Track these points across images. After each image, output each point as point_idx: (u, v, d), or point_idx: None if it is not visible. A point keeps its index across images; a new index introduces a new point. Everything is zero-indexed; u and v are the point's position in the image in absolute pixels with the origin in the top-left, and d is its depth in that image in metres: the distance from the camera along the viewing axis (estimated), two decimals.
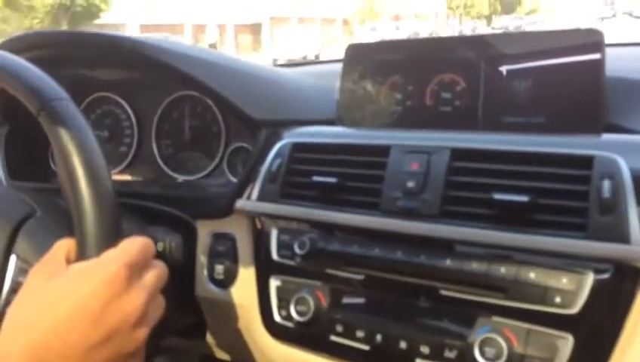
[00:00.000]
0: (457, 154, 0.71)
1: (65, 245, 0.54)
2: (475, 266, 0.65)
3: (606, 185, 0.61)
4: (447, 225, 0.67)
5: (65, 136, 0.52)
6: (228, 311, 0.87)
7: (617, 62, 0.76)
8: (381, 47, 0.93)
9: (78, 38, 0.89)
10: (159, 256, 0.58)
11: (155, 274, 0.54)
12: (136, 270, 0.51)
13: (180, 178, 1.03)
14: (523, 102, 0.78)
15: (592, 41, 0.75)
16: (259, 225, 0.85)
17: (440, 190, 0.70)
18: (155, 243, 0.78)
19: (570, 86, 0.75)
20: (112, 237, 0.53)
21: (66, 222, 0.71)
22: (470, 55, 0.83)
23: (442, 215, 0.69)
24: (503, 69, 0.80)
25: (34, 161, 1.12)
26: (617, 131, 0.71)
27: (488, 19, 46.11)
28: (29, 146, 1.11)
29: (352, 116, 0.91)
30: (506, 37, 0.84)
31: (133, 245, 0.53)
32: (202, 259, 0.90)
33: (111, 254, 0.51)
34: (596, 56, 0.74)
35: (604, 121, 0.73)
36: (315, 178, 0.78)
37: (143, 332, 0.51)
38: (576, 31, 0.77)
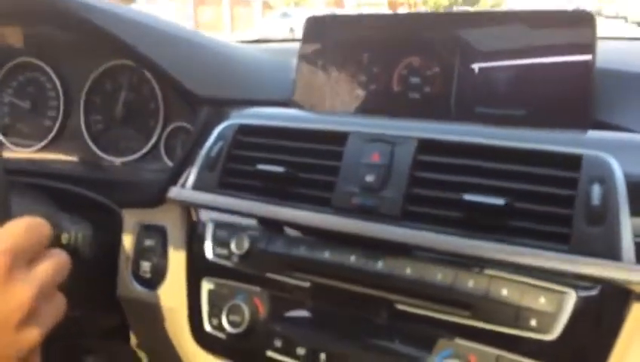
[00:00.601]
0: (425, 145, 0.61)
1: None
2: (438, 278, 0.56)
3: (595, 190, 0.52)
4: (409, 229, 0.58)
5: None
6: (153, 315, 0.76)
7: (606, 56, 0.67)
8: (345, 22, 0.82)
9: None
10: (63, 249, 0.47)
11: (50, 265, 0.44)
12: (21, 258, 0.42)
13: (110, 159, 0.90)
14: (502, 92, 0.69)
15: (581, 25, 0.66)
16: (194, 218, 0.74)
17: (403, 187, 0.60)
18: (60, 233, 0.66)
19: (555, 76, 0.66)
20: None
21: None
22: (445, 36, 0.73)
23: (404, 216, 0.59)
24: (482, 54, 0.70)
25: None
26: (606, 128, 0.62)
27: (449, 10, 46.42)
28: None
29: (308, 98, 0.81)
30: (486, 16, 0.74)
31: (19, 227, 0.42)
32: (127, 253, 0.78)
33: None
34: (586, 42, 0.65)
35: (592, 116, 0.64)
36: (260, 166, 0.67)
37: (32, 334, 0.41)
38: (565, 12, 0.68)
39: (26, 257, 0.42)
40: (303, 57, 0.82)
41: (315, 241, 0.63)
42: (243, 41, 1.18)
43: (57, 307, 0.45)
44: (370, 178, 0.61)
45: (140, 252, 0.78)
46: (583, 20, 0.66)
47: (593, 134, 0.60)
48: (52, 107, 0.96)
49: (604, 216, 0.51)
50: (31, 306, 0.41)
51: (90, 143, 0.92)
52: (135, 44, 0.76)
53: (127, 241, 0.79)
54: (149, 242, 0.77)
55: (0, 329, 0.39)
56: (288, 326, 0.64)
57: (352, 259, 0.60)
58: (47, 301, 0.43)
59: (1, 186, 0.47)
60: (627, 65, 0.71)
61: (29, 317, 0.41)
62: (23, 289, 0.41)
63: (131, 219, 0.79)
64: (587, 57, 0.65)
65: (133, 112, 0.91)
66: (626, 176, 0.52)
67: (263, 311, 0.65)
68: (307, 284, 0.63)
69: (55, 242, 0.52)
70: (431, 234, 0.57)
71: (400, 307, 0.58)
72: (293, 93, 0.82)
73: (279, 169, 0.66)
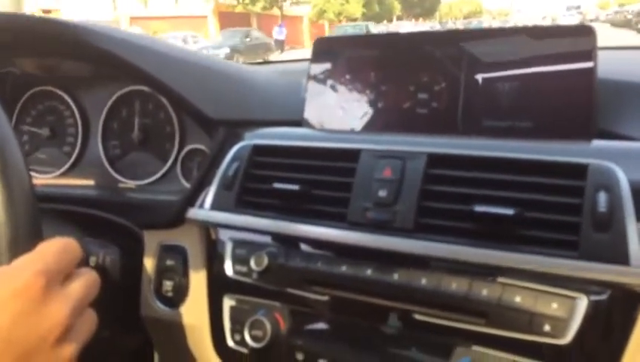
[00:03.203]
0: (434, 160, 0.64)
1: None
2: (453, 287, 0.58)
3: (602, 197, 0.54)
4: (422, 241, 0.60)
5: None
6: (176, 333, 0.78)
7: (607, 66, 0.70)
8: (352, 42, 0.85)
9: (16, 22, 0.79)
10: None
11: (82, 283, 0.46)
12: (56, 278, 0.44)
13: (128, 182, 0.93)
14: (507, 105, 0.71)
15: (583, 38, 0.68)
16: (213, 237, 0.76)
17: (415, 200, 0.62)
18: (87, 256, 0.68)
19: (559, 87, 0.68)
20: (27, 240, 0.46)
21: None
22: (450, 52, 0.75)
23: (417, 228, 0.61)
24: (487, 67, 0.73)
25: None
26: (610, 138, 0.64)
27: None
28: None
29: (319, 117, 0.83)
30: (491, 33, 0.77)
31: (52, 248, 0.45)
32: (149, 273, 0.81)
33: (24, 260, 0.43)
34: (587, 54, 0.67)
35: (597, 125, 0.66)
36: (277, 185, 0.70)
37: (69, 351, 0.43)
38: (567, 27, 0.70)
39: (59, 277, 0.44)
40: (312, 77, 0.85)
41: (332, 256, 0.65)
42: (252, 63, 1.21)
43: (90, 323, 0.47)
44: (382, 193, 0.64)
45: (162, 271, 0.80)
46: (584, 33, 0.68)
47: (598, 143, 0.62)
48: (70, 134, 0.99)
49: (610, 223, 0.53)
50: (67, 323, 0.43)
51: (109, 168, 0.95)
52: (151, 71, 0.78)
53: (149, 262, 0.81)
54: (170, 262, 0.79)
55: (38, 346, 0.41)
56: (309, 339, 0.66)
57: (369, 271, 0.62)
58: (80, 318, 0.45)
59: (33, 207, 0.49)
60: (629, 75, 0.74)
61: (65, 334, 0.43)
62: (59, 308, 0.43)
63: (152, 240, 0.81)
64: (589, 69, 0.67)
65: (150, 136, 0.94)
66: (631, 183, 0.54)
67: (284, 325, 0.67)
68: (326, 298, 0.65)
69: (83, 265, 0.55)
70: (444, 245, 0.59)
71: (417, 317, 0.60)
72: (303, 113, 0.84)
73: (295, 187, 0.69)
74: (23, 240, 0.46)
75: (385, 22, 39.11)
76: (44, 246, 0.45)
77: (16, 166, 0.47)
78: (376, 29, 26.50)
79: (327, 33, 32.48)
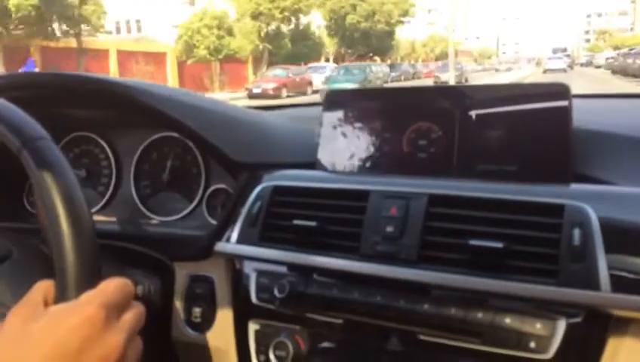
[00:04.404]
0: (434, 200, 0.74)
1: (43, 287, 0.54)
2: (452, 311, 0.67)
3: (576, 233, 0.63)
4: (425, 270, 0.69)
5: (46, 176, 0.53)
6: (205, 355, 0.87)
7: (583, 114, 0.80)
8: (360, 94, 0.96)
9: (60, 80, 0.90)
10: (137, 299, 0.58)
11: (134, 315, 0.54)
12: (114, 311, 0.52)
13: (158, 219, 1.03)
14: (496, 151, 0.81)
15: (558, 91, 0.80)
16: (238, 268, 0.85)
17: (418, 235, 0.72)
18: (135, 286, 0.77)
19: (539, 135, 0.79)
20: (91, 278, 0.53)
21: (43, 264, 0.71)
22: (445, 104, 0.86)
23: (420, 260, 0.70)
24: (477, 118, 0.84)
25: (10, 200, 1.11)
26: (586, 181, 0.75)
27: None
28: (5, 186, 1.09)
29: (331, 160, 0.94)
30: (480, 88, 0.88)
31: (112, 285, 0.53)
32: (179, 301, 0.89)
33: (89, 295, 0.51)
34: (563, 104, 0.78)
35: (572, 169, 0.76)
36: (296, 221, 0.79)
37: None
38: (544, 84, 0.82)
39: (116, 309, 0.52)
40: (325, 125, 0.95)
41: (346, 284, 0.74)
42: (268, 107, 1.33)
43: (138, 349, 0.54)
44: (390, 228, 0.73)
45: (191, 299, 0.88)
46: (560, 90, 0.80)
47: (573, 187, 0.72)
48: (105, 175, 1.09)
49: (584, 255, 0.62)
50: (122, 350, 0.50)
51: (140, 205, 1.05)
52: (182, 120, 0.88)
53: (180, 291, 0.90)
54: (198, 290, 0.88)
55: None
56: (326, 358, 0.75)
57: (378, 298, 0.71)
58: (132, 344, 0.53)
59: (95, 249, 0.55)
60: (602, 124, 0.85)
61: (120, 359, 0.50)
62: (117, 336, 0.50)
63: (182, 271, 0.90)
64: (565, 122, 0.78)
65: (178, 177, 1.03)
66: (601, 221, 0.64)
67: (304, 346, 0.76)
68: (340, 321, 0.74)
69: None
70: (444, 275, 0.68)
71: (421, 337, 0.69)
72: (317, 156, 0.94)
73: (312, 223, 0.78)
74: (88, 278, 0.52)
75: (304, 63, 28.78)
76: (106, 284, 0.53)
77: (82, 211, 0.54)
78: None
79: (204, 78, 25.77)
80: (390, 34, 38.45)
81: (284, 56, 29.07)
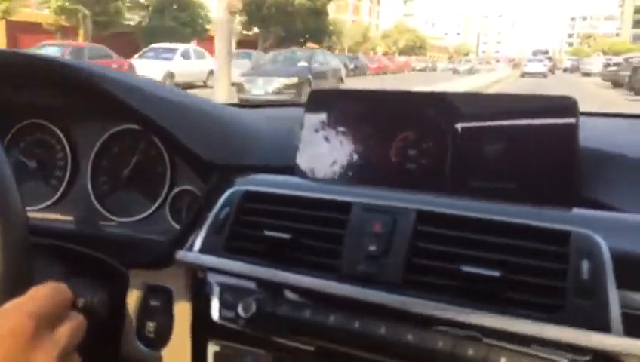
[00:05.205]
0: (424, 217, 0.66)
1: None
2: (439, 345, 0.59)
3: (584, 265, 0.56)
4: (410, 296, 0.61)
5: None
6: None
7: (590, 132, 0.74)
8: (347, 96, 0.88)
9: (14, 59, 0.79)
10: (79, 311, 0.49)
11: (71, 327, 0.47)
12: (46, 322, 0.44)
13: (115, 219, 0.93)
14: (493, 166, 0.74)
15: (565, 106, 0.72)
16: (200, 280, 0.76)
17: (404, 256, 0.64)
18: (76, 297, 0.68)
19: (542, 152, 0.72)
20: (19, 282, 0.46)
21: None
22: (440, 112, 0.79)
23: (405, 284, 0.63)
24: (474, 129, 0.76)
25: None
26: (590, 205, 0.68)
27: None
28: None
29: (311, 165, 0.85)
30: (479, 97, 0.80)
31: (43, 292, 0.46)
32: (132, 313, 0.80)
33: (16, 302, 0.44)
34: (571, 121, 0.71)
35: (578, 191, 0.69)
36: (267, 232, 0.71)
37: None
38: (550, 97, 0.74)
39: (49, 320, 0.45)
40: (306, 127, 0.87)
41: (320, 306, 0.66)
42: (243, 105, 1.24)
43: None
44: (372, 247, 0.65)
45: (145, 312, 0.79)
46: (567, 104, 0.72)
47: (580, 212, 0.65)
48: (59, 167, 0.99)
49: (593, 290, 0.55)
50: None
51: (96, 204, 0.95)
52: (146, 111, 0.79)
53: (132, 301, 0.80)
54: (154, 302, 0.79)
55: None
56: None
57: (357, 324, 0.63)
58: (67, 360, 0.45)
59: (26, 248, 0.49)
60: (610, 145, 0.78)
61: None
62: (47, 352, 0.43)
63: (137, 279, 0.81)
64: (572, 135, 0.71)
65: (140, 174, 0.94)
66: (612, 252, 0.57)
67: None
68: (312, 348, 0.66)
69: (71, 306, 0.55)
70: (431, 303, 0.60)
71: None
72: (296, 160, 0.86)
73: (285, 235, 0.70)
74: (15, 283, 0.46)
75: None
76: (36, 291, 0.45)
77: (13, 206, 0.47)
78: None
79: None
80: (317, 13, 27.87)
81: (145, 30, 20.05)
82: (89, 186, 0.96)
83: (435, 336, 0.60)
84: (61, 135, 0.99)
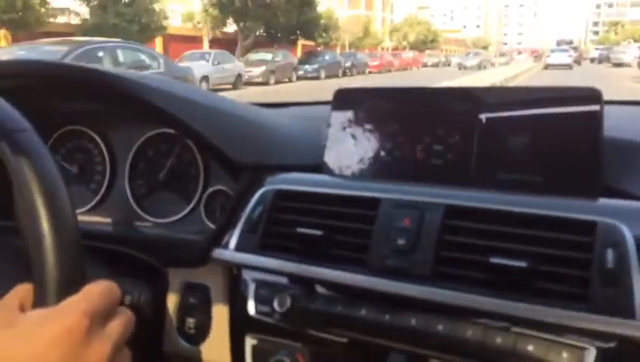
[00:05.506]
0: (452, 211, 0.68)
1: (20, 291, 0.49)
2: (468, 334, 0.61)
3: (609, 254, 0.57)
4: (439, 288, 0.63)
5: (25, 169, 0.48)
6: None
7: (615, 121, 0.74)
8: (372, 93, 0.89)
9: (46, 70, 0.84)
10: (126, 306, 0.53)
11: (121, 323, 0.49)
12: (99, 318, 0.47)
13: (153, 220, 0.97)
14: (519, 159, 0.75)
15: (589, 96, 0.73)
16: (236, 277, 0.79)
17: (432, 249, 0.66)
18: (123, 295, 0.71)
19: (567, 143, 0.73)
20: (73, 282, 0.48)
21: (22, 265, 0.65)
22: (465, 108, 0.80)
23: (434, 276, 0.64)
24: (498, 123, 0.77)
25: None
26: (617, 195, 0.68)
27: None
28: None
29: (338, 163, 0.87)
30: (503, 91, 0.81)
31: (96, 290, 0.48)
32: (172, 310, 0.84)
33: (71, 301, 0.47)
34: (595, 109, 0.72)
35: (603, 182, 0.70)
36: (299, 229, 0.73)
37: None
38: (574, 88, 0.75)
39: (101, 317, 0.47)
40: (333, 125, 0.89)
41: (352, 300, 0.68)
42: (272, 104, 1.26)
43: (126, 360, 0.50)
44: (401, 241, 0.67)
45: (185, 309, 0.83)
46: (591, 94, 0.73)
47: (605, 202, 0.66)
48: (98, 172, 1.03)
49: (618, 278, 0.56)
50: (108, 361, 0.46)
51: (134, 205, 0.99)
52: (180, 116, 0.83)
53: (172, 299, 0.84)
54: (192, 300, 0.83)
55: None
56: None
57: (387, 316, 0.65)
58: (117, 355, 0.47)
59: (79, 250, 0.51)
60: (635, 133, 0.78)
61: None
62: (101, 347, 0.45)
63: (176, 278, 0.84)
64: (596, 129, 0.71)
65: (175, 177, 0.98)
66: (637, 241, 0.58)
67: None
68: (345, 340, 0.68)
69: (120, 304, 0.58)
70: (460, 294, 0.62)
71: (433, 361, 0.63)
72: (324, 159, 0.88)
73: (317, 232, 0.72)
74: (70, 282, 0.48)
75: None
76: (89, 289, 0.48)
77: (65, 209, 0.49)
78: None
79: None
80: (300, 6, 24.56)
81: (86, 29, 16.53)
82: (127, 189, 1.00)
83: (464, 326, 0.61)
84: (99, 140, 1.03)
